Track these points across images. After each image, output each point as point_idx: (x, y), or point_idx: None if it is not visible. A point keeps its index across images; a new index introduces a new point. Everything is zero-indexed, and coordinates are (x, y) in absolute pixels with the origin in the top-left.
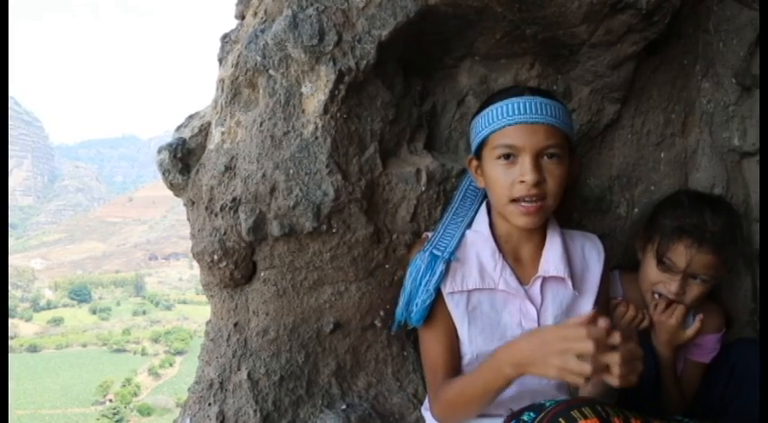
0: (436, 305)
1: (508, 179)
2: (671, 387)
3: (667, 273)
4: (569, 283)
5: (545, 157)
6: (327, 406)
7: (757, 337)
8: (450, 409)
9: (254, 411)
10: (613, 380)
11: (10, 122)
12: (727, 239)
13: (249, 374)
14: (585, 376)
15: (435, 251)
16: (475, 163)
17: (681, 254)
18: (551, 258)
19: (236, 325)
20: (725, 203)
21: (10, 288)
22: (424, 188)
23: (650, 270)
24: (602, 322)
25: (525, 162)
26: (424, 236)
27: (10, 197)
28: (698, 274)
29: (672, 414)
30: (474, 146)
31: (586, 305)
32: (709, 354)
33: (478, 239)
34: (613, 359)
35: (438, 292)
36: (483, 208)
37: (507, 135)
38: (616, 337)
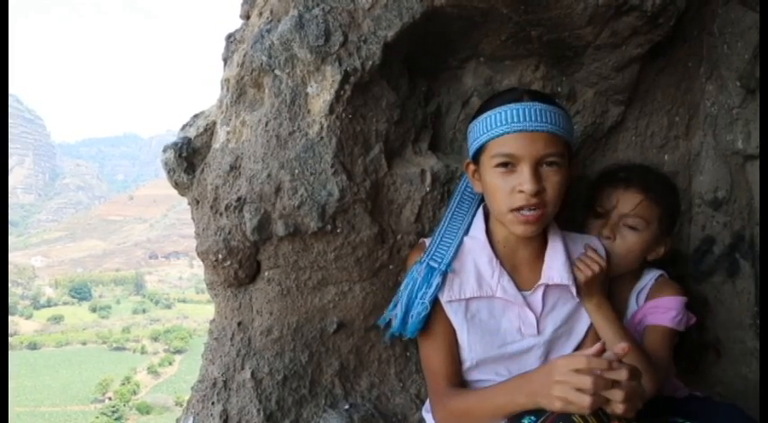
0: (434, 314)
1: (507, 188)
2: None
3: (600, 220)
4: (573, 290)
5: (544, 166)
6: (330, 406)
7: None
8: (454, 420)
9: (258, 410)
10: (613, 411)
11: (11, 120)
12: (657, 188)
13: (253, 374)
14: (585, 409)
15: (432, 263)
16: (472, 167)
17: (609, 195)
18: (555, 265)
19: (239, 324)
20: (661, 171)
21: (10, 286)
22: (428, 189)
23: (588, 227)
24: (609, 353)
25: (524, 171)
26: (420, 242)
27: (11, 195)
28: (628, 217)
29: (648, 387)
30: (471, 151)
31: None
32: (665, 314)
33: (475, 246)
34: (615, 396)
35: (435, 301)
36: (480, 213)
37: (506, 143)
38: (623, 374)
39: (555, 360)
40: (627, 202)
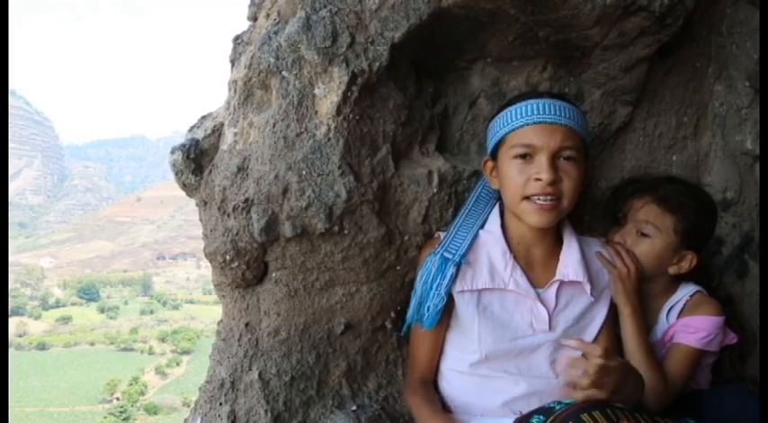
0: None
1: (523, 176)
2: (641, 356)
3: (619, 228)
4: (588, 287)
5: (561, 159)
6: (338, 407)
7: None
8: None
9: (265, 411)
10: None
11: (21, 123)
12: (670, 197)
13: (260, 374)
14: None
15: (446, 254)
16: (490, 164)
17: (625, 202)
18: (570, 262)
19: (247, 325)
20: (692, 184)
21: (19, 286)
22: (435, 190)
23: (609, 236)
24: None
25: (542, 161)
26: (435, 236)
27: (20, 197)
28: (639, 223)
29: (652, 404)
30: (490, 146)
31: (601, 311)
32: (694, 334)
33: (490, 239)
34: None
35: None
36: (496, 208)
37: (525, 134)
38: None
39: None
40: (637, 208)
